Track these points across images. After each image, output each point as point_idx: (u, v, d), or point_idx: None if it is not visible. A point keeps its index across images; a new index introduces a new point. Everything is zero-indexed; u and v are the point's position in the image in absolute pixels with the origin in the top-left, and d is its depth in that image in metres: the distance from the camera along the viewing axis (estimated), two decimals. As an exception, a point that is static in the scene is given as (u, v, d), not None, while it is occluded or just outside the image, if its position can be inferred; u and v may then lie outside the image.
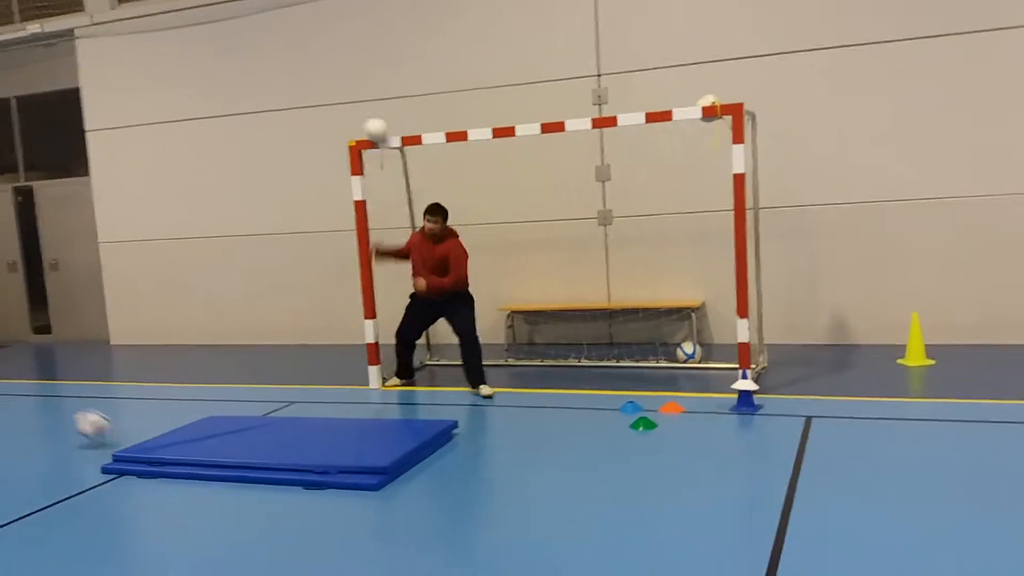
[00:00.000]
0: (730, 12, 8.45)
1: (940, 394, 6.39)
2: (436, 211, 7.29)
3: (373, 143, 7.61)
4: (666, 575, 3.62)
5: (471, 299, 7.49)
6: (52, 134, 12.45)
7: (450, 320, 7.45)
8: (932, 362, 7.32)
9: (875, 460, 4.93)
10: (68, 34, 11.28)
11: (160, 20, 10.76)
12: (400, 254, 7.66)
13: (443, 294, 7.30)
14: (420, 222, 8.70)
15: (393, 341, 7.71)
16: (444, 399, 7.28)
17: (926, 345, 7.48)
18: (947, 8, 7.80)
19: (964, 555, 3.64)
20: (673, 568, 3.68)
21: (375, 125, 7.56)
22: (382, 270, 7.94)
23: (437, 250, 7.29)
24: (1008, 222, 7.82)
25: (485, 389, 7.18)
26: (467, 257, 7.36)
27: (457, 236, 7.41)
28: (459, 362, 8.28)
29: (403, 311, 7.66)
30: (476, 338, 7.37)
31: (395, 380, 7.80)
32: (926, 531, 3.89)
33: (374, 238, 7.76)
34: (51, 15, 11.33)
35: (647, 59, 8.72)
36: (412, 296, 7.61)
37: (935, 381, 6.82)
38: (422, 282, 7.26)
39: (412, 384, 7.80)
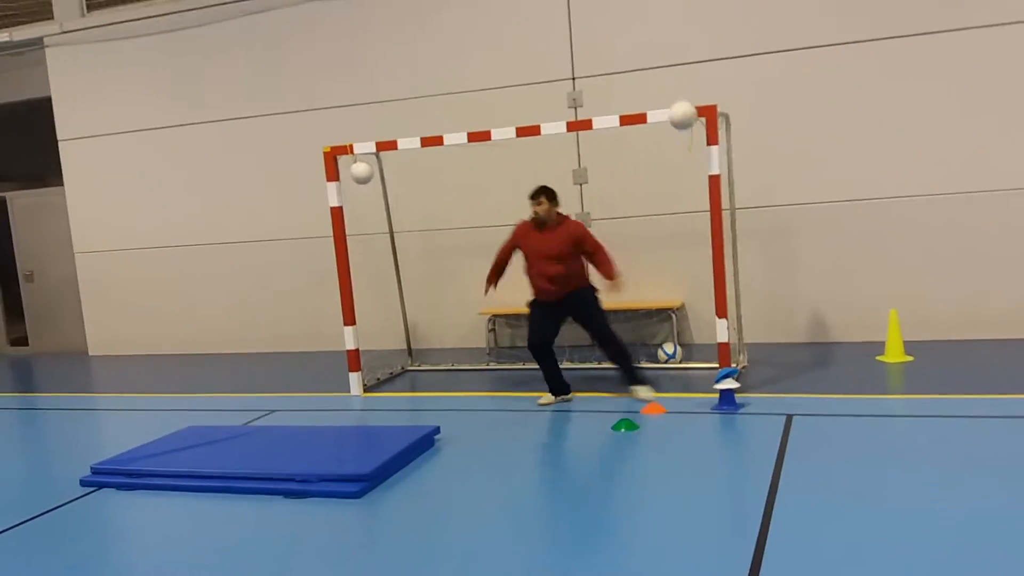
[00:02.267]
0: (704, 14, 8.49)
1: (919, 390, 6.44)
2: (540, 193, 6.58)
3: (350, 146, 7.57)
4: (651, 574, 3.63)
5: (596, 293, 6.72)
6: (25, 144, 12.33)
7: (583, 324, 6.75)
8: (910, 359, 7.38)
9: (855, 456, 4.96)
10: (38, 43, 11.15)
11: (130, 28, 10.68)
12: (503, 262, 7.02)
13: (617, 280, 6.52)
14: (397, 227, 8.73)
15: (380, 347, 7.46)
16: (426, 404, 7.27)
17: (904, 342, 7.53)
18: (920, 8, 7.87)
19: (945, 550, 3.67)
20: (658, 567, 3.69)
21: (360, 169, 7.48)
22: (365, 277, 7.90)
23: (553, 237, 6.55)
24: (984, 219, 7.90)
25: (643, 391, 6.62)
26: None
27: (570, 217, 6.76)
28: (440, 367, 8.27)
29: (527, 321, 6.93)
30: (615, 336, 6.69)
31: (549, 397, 6.81)
32: (907, 526, 3.92)
33: (490, 290, 7.07)
34: (20, 23, 11.20)
35: (621, 62, 8.75)
36: (533, 303, 6.82)
37: (914, 377, 6.88)
38: (617, 284, 6.48)
39: (569, 398, 6.86)
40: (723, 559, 3.75)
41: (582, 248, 6.60)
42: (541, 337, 6.72)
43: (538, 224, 6.68)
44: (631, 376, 6.75)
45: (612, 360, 6.80)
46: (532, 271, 6.71)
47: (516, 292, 7.81)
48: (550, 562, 3.87)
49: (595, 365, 8.01)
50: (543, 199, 6.62)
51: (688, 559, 3.77)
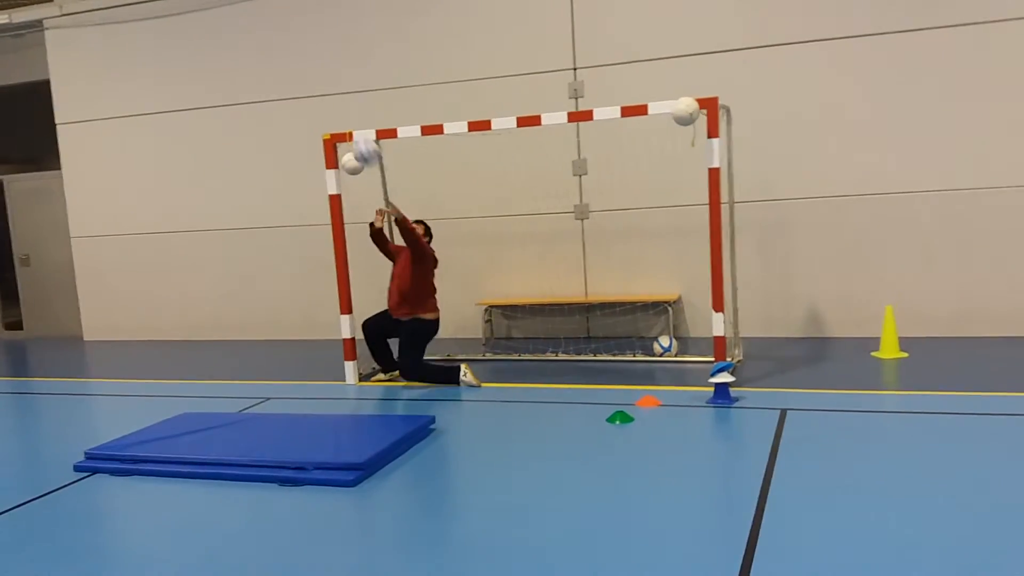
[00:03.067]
0: (706, 6, 8.47)
1: (913, 386, 6.45)
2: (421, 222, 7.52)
3: (349, 133, 7.53)
4: (643, 566, 3.63)
5: (425, 332, 7.34)
6: (23, 127, 12.28)
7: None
8: (905, 355, 7.39)
9: (849, 452, 4.97)
10: (37, 25, 11.11)
11: (130, 11, 10.63)
12: (388, 246, 7.62)
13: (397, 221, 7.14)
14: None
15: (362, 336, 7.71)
16: (422, 394, 7.26)
17: (900, 338, 7.55)
18: (921, 3, 7.86)
19: (939, 545, 3.68)
20: (650, 559, 3.69)
21: (350, 163, 7.46)
22: (361, 266, 7.89)
23: (402, 255, 7.36)
24: (982, 215, 7.91)
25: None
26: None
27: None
28: (436, 357, 8.30)
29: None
30: (413, 370, 7.30)
31: (380, 375, 7.81)
32: (900, 521, 3.93)
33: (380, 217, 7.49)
34: (20, 5, 11.15)
35: (623, 53, 8.73)
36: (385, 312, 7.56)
37: (908, 373, 6.89)
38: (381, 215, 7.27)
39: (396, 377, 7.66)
40: (716, 552, 3.75)
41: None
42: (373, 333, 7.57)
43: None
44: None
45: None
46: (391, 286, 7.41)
47: (515, 285, 7.87)
48: (543, 552, 3.87)
49: (590, 357, 8.02)
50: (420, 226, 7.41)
51: (681, 551, 3.78)
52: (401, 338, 7.28)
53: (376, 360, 7.73)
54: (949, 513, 4.02)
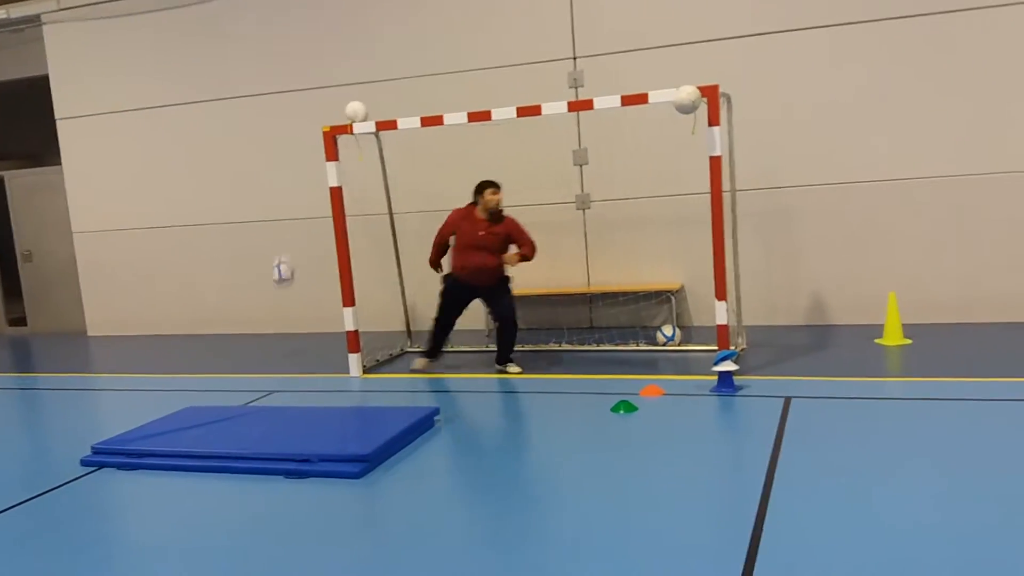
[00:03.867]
0: (706, -6, 8.44)
1: (917, 373, 6.46)
2: (497, 184, 7.21)
3: (350, 125, 7.55)
4: (648, 555, 3.64)
5: (510, 283, 7.46)
6: (23, 122, 12.27)
7: (491, 304, 7.45)
8: (909, 342, 7.39)
9: (853, 439, 4.98)
10: (36, 20, 11.09)
11: (129, 5, 10.60)
12: (444, 247, 7.53)
13: (496, 277, 7.30)
14: (397, 207, 8.72)
15: (381, 328, 7.70)
16: (426, 386, 7.28)
17: (903, 325, 7.54)
18: (921, -12, 7.83)
19: (944, 532, 3.69)
20: (655, 548, 3.70)
21: (353, 108, 7.52)
22: (364, 258, 7.90)
23: (496, 227, 7.20)
24: (984, 203, 7.89)
25: (513, 368, 7.31)
26: None
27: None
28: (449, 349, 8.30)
29: (441, 299, 7.54)
30: (516, 322, 7.38)
31: (423, 361, 7.70)
32: (905, 509, 3.94)
33: (446, 272, 7.54)
34: (18, 0, 11.12)
35: (623, 41, 8.70)
36: (449, 279, 7.49)
37: (912, 360, 6.89)
38: (515, 258, 7.16)
39: (435, 367, 7.68)
40: (721, 540, 3.77)
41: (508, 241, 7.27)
42: (448, 319, 7.57)
43: (490, 213, 7.18)
44: (506, 356, 7.40)
45: (501, 338, 7.42)
46: (462, 255, 7.27)
47: (517, 275, 7.83)
48: (548, 543, 3.88)
49: (593, 347, 8.02)
50: (498, 190, 7.19)
51: (686, 540, 3.79)
52: (502, 295, 7.35)
53: (438, 343, 7.67)
54: (954, 500, 4.02)
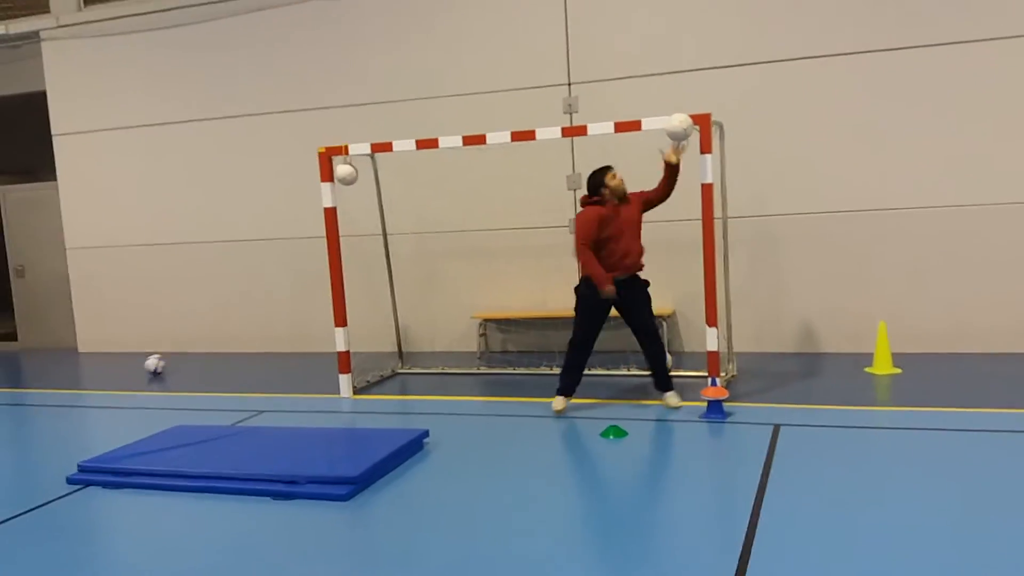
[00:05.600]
0: (699, 23, 8.52)
1: (907, 402, 6.47)
2: (610, 169, 6.48)
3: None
4: (634, 585, 3.64)
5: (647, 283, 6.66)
6: (19, 138, 12.28)
7: (635, 311, 6.54)
8: (899, 371, 7.41)
9: (842, 467, 4.98)
10: (34, 36, 11.13)
11: (127, 23, 10.66)
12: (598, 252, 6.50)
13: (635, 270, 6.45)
14: (390, 229, 8.73)
15: (372, 349, 7.61)
16: (416, 408, 7.27)
17: (893, 354, 7.56)
18: (916, 21, 7.91)
19: (930, 562, 3.69)
20: (643, 574, 3.70)
21: (344, 171, 7.51)
22: (356, 278, 7.89)
23: (634, 205, 6.54)
24: (974, 232, 7.94)
25: (673, 399, 6.59)
26: None
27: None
28: (431, 370, 8.25)
29: (580, 314, 6.65)
30: (659, 334, 6.61)
31: (562, 401, 6.66)
32: (892, 538, 3.94)
33: (609, 289, 6.41)
34: (16, 16, 11.18)
35: (617, 68, 8.77)
36: (584, 294, 6.55)
37: (902, 389, 6.90)
38: (674, 156, 6.33)
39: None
40: (708, 568, 3.76)
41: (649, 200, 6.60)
42: (589, 339, 6.64)
43: (620, 198, 6.51)
44: (666, 381, 6.65)
45: (649, 357, 6.61)
46: (620, 250, 6.47)
47: (510, 298, 7.88)
48: (537, 567, 3.87)
49: (585, 372, 8.00)
50: (617, 173, 6.49)
51: (673, 567, 3.78)
52: (645, 301, 6.59)
53: (575, 377, 6.68)
54: (942, 530, 4.03)
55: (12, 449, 6.84)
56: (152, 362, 9.34)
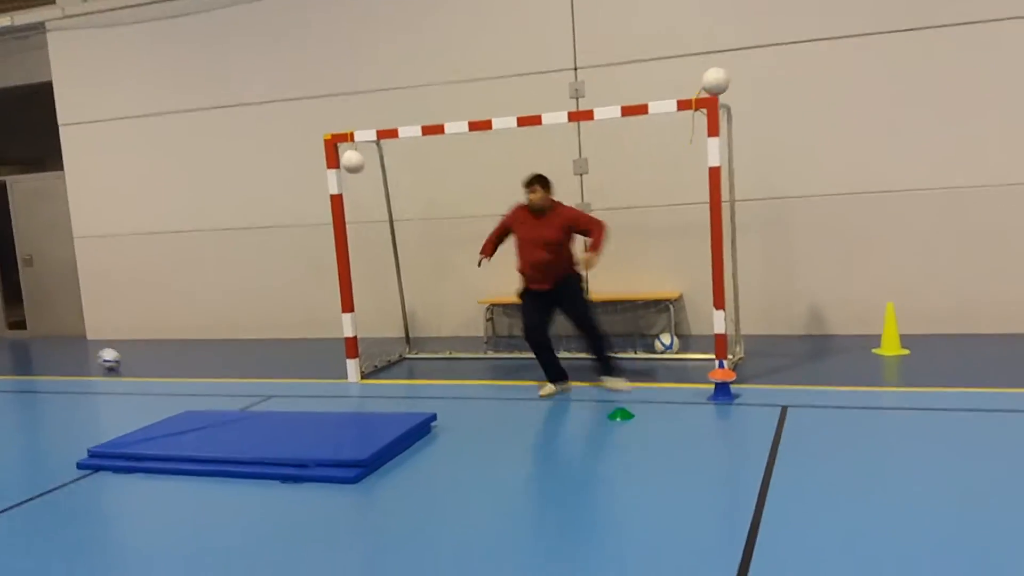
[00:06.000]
0: (706, 5, 8.48)
1: (914, 383, 6.46)
2: (534, 180, 6.63)
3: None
4: (643, 563, 3.65)
5: (581, 280, 6.91)
6: (26, 128, 12.32)
7: (566, 312, 6.78)
8: (907, 352, 7.40)
9: (850, 448, 4.98)
10: (39, 27, 11.14)
11: (132, 13, 10.66)
12: (499, 237, 7.01)
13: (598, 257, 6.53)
14: (397, 215, 8.74)
15: (379, 334, 7.62)
16: (423, 392, 7.29)
17: (901, 335, 7.56)
18: (921, 2, 7.86)
19: (939, 541, 3.69)
20: (650, 556, 3.71)
21: (351, 158, 7.53)
22: (362, 264, 7.91)
23: (552, 222, 6.60)
24: (982, 214, 7.91)
25: (618, 383, 6.74)
26: None
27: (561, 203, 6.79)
28: (438, 355, 8.30)
29: (520, 309, 6.99)
30: (595, 324, 6.79)
31: (550, 387, 6.77)
32: (900, 519, 3.94)
33: (483, 258, 7.03)
34: (22, 7, 11.18)
35: (623, 52, 8.74)
36: (524, 294, 6.88)
37: (910, 370, 6.90)
38: (593, 259, 6.47)
39: (568, 387, 6.86)
40: (714, 549, 3.77)
41: (577, 228, 6.67)
42: (539, 331, 6.77)
43: (533, 211, 6.71)
44: (606, 366, 6.83)
45: (591, 348, 6.86)
46: (523, 258, 6.76)
47: (516, 283, 7.79)
48: (543, 550, 3.89)
49: (592, 355, 8.01)
50: (537, 187, 6.65)
51: (680, 549, 3.79)
52: (573, 295, 6.76)
53: (552, 364, 6.82)
54: (950, 511, 4.03)
55: (23, 435, 6.89)
56: (109, 354, 9.06)
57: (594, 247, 6.52)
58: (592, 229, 6.63)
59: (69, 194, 11.38)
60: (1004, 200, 7.84)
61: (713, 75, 6.48)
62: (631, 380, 6.86)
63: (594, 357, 6.87)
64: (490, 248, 7.07)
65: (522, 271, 6.81)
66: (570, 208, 6.83)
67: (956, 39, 7.80)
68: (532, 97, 8.77)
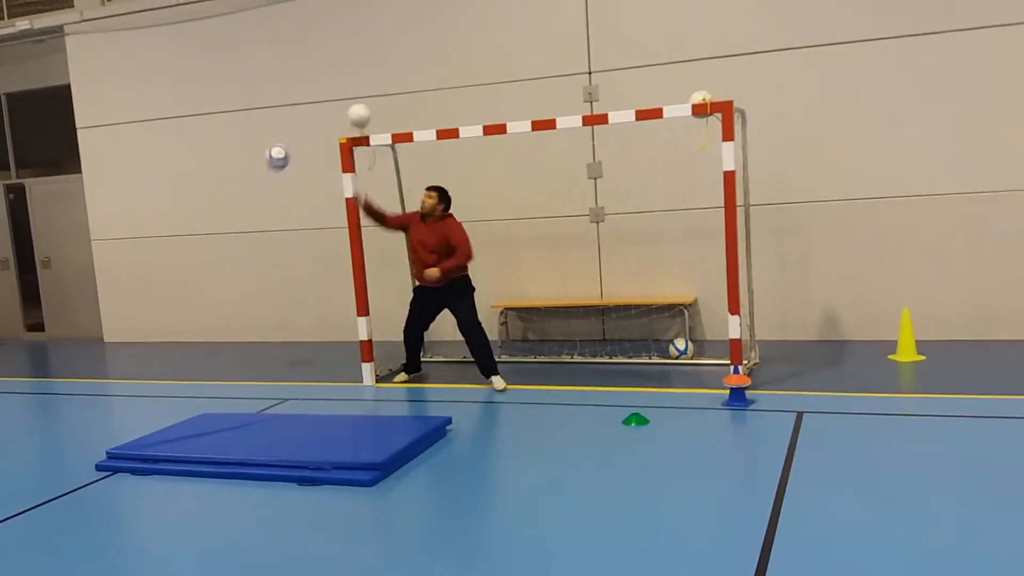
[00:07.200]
0: (720, 9, 8.47)
1: (930, 390, 6.44)
2: (433, 188, 7.27)
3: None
4: (659, 568, 3.65)
5: (471, 287, 7.39)
6: (44, 131, 12.42)
7: (453, 312, 7.33)
8: (922, 358, 7.37)
9: (866, 455, 4.97)
10: (58, 31, 11.24)
11: (150, 16, 10.74)
12: (384, 217, 7.52)
13: (450, 278, 7.14)
14: (413, 219, 8.78)
15: (395, 338, 7.69)
16: (438, 395, 7.31)
17: (917, 341, 7.52)
18: (937, 6, 7.83)
19: (955, 548, 3.68)
20: (666, 561, 3.71)
21: (357, 111, 7.57)
22: (377, 268, 7.93)
23: (436, 230, 7.17)
24: (998, 219, 7.87)
25: (498, 381, 7.20)
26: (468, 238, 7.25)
27: (453, 217, 7.34)
28: (453, 359, 8.36)
29: (408, 307, 7.61)
30: (480, 327, 7.31)
31: (402, 376, 7.75)
32: (915, 525, 3.93)
33: (363, 191, 7.57)
34: (40, 11, 11.29)
35: (638, 56, 8.74)
36: (416, 289, 7.57)
37: (925, 377, 6.87)
38: (434, 271, 7.01)
39: (420, 379, 7.76)
40: (730, 556, 3.77)
41: (449, 244, 7.14)
42: (414, 329, 7.58)
43: (426, 214, 7.24)
44: (490, 368, 7.29)
45: (473, 351, 7.34)
46: (412, 257, 7.42)
47: (530, 287, 7.89)
48: (559, 553, 3.90)
49: (606, 359, 8.03)
50: (435, 194, 7.24)
51: (697, 554, 3.80)
52: (458, 301, 7.30)
53: (412, 359, 7.75)
54: (966, 517, 4.01)
55: (42, 437, 6.95)
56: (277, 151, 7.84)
57: (444, 265, 7.05)
58: (456, 252, 7.11)
59: (87, 197, 11.47)
60: (1021, 205, 7.80)
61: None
62: (645, 385, 6.87)
63: (475, 360, 7.35)
64: (383, 218, 7.54)
65: (413, 270, 7.49)
66: (457, 226, 7.23)
67: (975, 43, 7.77)
68: (547, 101, 8.79)
